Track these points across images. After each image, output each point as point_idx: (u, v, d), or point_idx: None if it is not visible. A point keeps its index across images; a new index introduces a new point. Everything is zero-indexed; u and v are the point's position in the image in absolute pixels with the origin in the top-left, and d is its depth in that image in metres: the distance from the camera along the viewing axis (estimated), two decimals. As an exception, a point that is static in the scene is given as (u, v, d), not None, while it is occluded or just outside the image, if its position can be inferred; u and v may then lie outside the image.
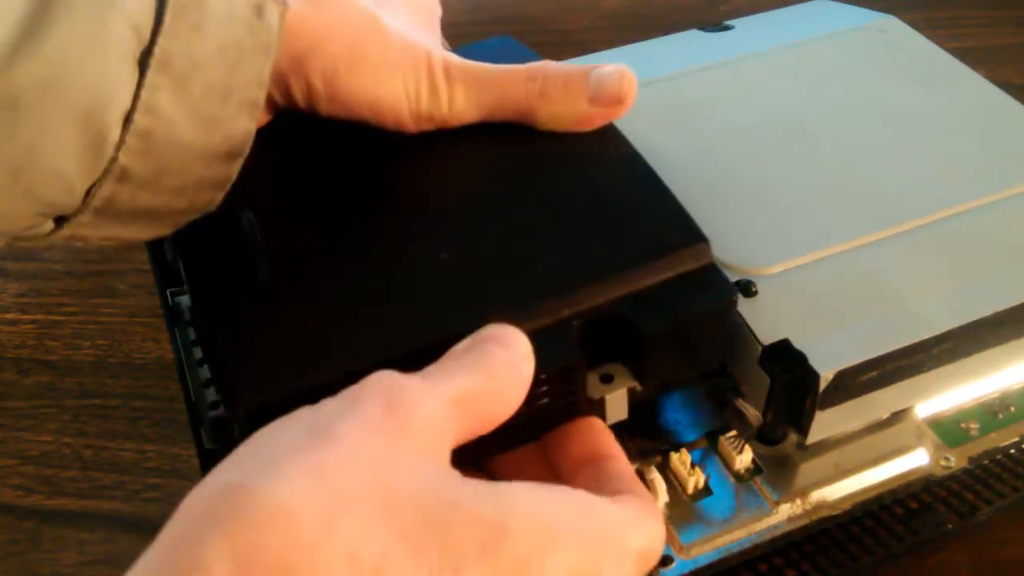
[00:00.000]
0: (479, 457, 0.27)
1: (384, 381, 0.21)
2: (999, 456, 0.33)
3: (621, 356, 0.27)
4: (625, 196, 0.29)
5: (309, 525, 0.17)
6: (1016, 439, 0.34)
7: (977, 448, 0.33)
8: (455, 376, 0.22)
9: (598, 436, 0.27)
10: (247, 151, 0.27)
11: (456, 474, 0.21)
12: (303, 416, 0.20)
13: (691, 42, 0.46)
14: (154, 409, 0.41)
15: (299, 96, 0.30)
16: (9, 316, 0.45)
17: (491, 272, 0.27)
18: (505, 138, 0.31)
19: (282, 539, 0.17)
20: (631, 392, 0.27)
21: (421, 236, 0.28)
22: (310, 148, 0.32)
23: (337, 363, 0.24)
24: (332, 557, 0.17)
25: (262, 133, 0.30)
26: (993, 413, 0.34)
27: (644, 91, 0.43)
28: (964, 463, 0.33)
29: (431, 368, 0.22)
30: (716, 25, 0.47)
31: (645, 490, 0.25)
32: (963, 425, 0.34)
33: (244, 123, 0.26)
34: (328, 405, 0.20)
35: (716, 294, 0.27)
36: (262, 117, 0.30)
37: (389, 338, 0.25)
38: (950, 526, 0.31)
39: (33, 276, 0.47)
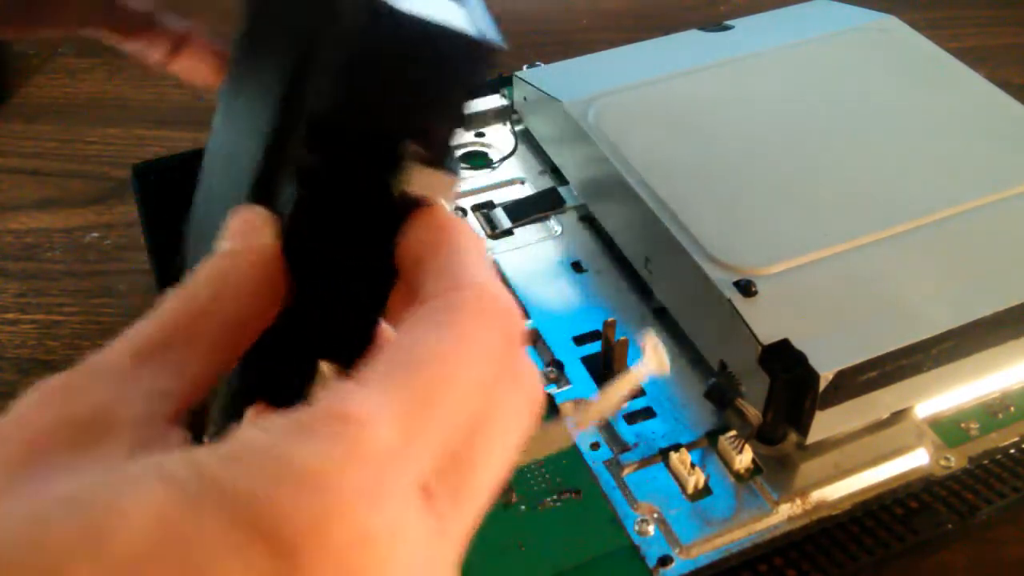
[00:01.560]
0: (366, 323, 0.22)
1: (39, 385, 0.16)
2: (999, 456, 0.33)
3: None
4: None
5: None
6: (1016, 439, 0.34)
7: (977, 448, 0.33)
8: (150, 319, 0.17)
9: (419, 236, 0.21)
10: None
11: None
12: None
13: (691, 42, 0.46)
14: (154, 409, 0.41)
15: None
16: (9, 316, 0.45)
17: (229, 165, 0.24)
18: None
19: None
20: (418, 157, 0.20)
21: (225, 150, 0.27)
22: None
23: None
24: None
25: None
26: (993, 413, 0.34)
27: (644, 91, 0.43)
28: (964, 463, 0.33)
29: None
30: (716, 25, 0.47)
31: (483, 277, 0.18)
32: (963, 425, 0.34)
33: None
34: None
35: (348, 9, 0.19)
36: None
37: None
38: (950, 526, 0.31)
39: (33, 276, 0.47)
